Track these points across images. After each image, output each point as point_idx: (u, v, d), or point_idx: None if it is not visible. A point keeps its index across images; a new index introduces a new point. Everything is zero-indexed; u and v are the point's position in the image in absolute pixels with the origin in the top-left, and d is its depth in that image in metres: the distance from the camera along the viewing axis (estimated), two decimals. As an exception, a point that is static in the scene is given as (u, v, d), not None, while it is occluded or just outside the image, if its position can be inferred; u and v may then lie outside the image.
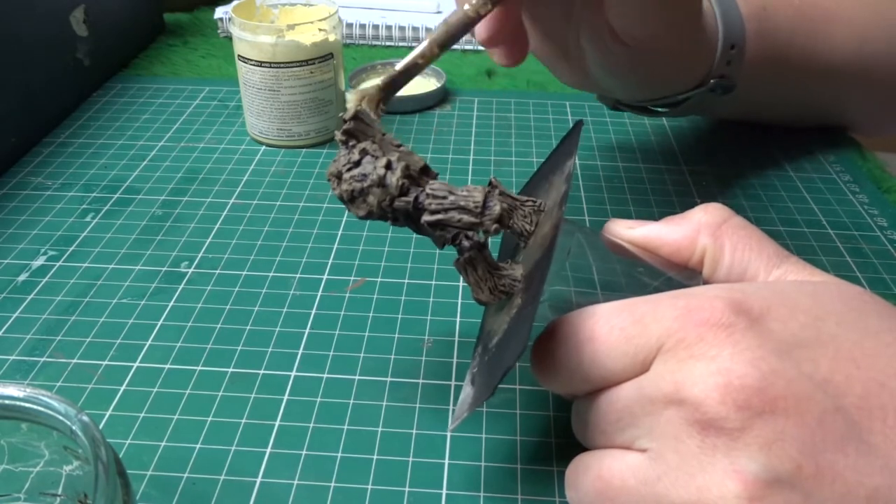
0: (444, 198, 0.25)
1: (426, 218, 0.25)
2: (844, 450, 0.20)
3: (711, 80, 0.40)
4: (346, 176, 0.25)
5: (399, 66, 0.28)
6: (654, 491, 0.22)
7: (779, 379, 0.21)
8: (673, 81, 0.40)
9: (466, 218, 0.25)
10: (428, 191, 0.25)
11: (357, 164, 0.25)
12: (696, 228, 0.28)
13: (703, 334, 0.22)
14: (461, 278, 0.27)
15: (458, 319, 0.36)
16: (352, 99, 0.26)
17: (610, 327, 0.23)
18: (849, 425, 0.20)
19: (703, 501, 0.21)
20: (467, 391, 0.26)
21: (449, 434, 0.30)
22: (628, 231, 0.28)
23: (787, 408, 0.20)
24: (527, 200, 0.27)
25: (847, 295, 0.24)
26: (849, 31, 0.45)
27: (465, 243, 0.26)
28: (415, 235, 0.41)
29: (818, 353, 0.21)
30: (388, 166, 0.25)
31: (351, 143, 0.26)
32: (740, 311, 0.22)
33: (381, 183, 0.25)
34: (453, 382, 0.32)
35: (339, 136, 0.26)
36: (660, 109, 0.44)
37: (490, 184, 0.27)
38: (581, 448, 0.26)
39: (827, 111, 0.51)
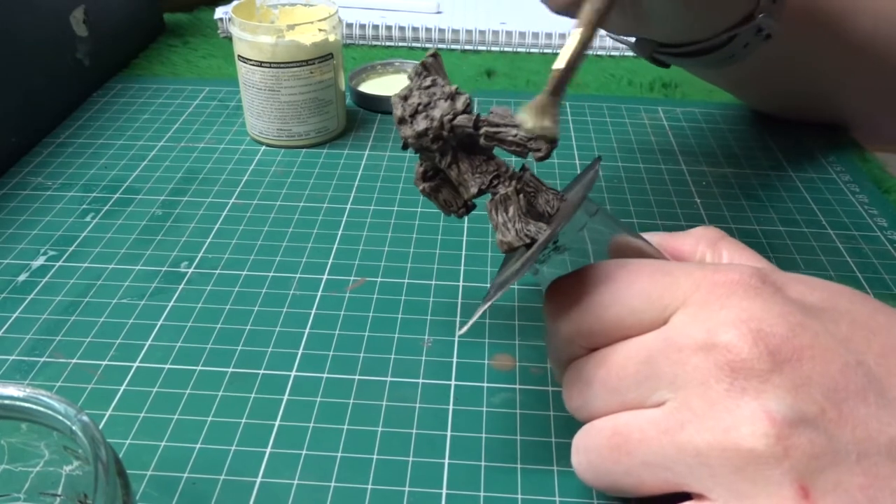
0: (505, 116, 0.27)
1: (485, 129, 0.26)
2: (866, 399, 0.21)
3: (759, 16, 0.39)
4: (416, 92, 0.27)
5: (561, 63, 0.27)
6: (676, 439, 0.22)
7: (805, 331, 0.22)
8: (719, 8, 0.39)
9: (523, 133, 0.26)
10: (491, 109, 0.27)
11: (427, 87, 0.27)
12: (697, 239, 0.29)
13: (734, 290, 0.23)
14: (488, 222, 0.28)
15: (458, 319, 0.36)
16: (529, 117, 0.26)
17: (640, 272, 0.24)
18: (869, 379, 0.22)
19: (729, 441, 0.21)
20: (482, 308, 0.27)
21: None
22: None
23: (813, 356, 0.22)
24: (551, 188, 0.28)
25: (851, 288, 0.25)
26: (868, 9, 0.45)
27: (502, 185, 0.27)
28: (415, 235, 0.41)
29: (837, 317, 0.23)
30: (457, 91, 0.27)
31: (424, 74, 0.27)
32: (766, 280, 0.23)
33: (451, 97, 0.26)
34: (453, 382, 0.32)
35: (413, 69, 0.27)
36: (693, 58, 0.43)
37: (522, 168, 0.27)
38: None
39: (835, 101, 0.51)
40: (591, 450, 0.24)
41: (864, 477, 0.21)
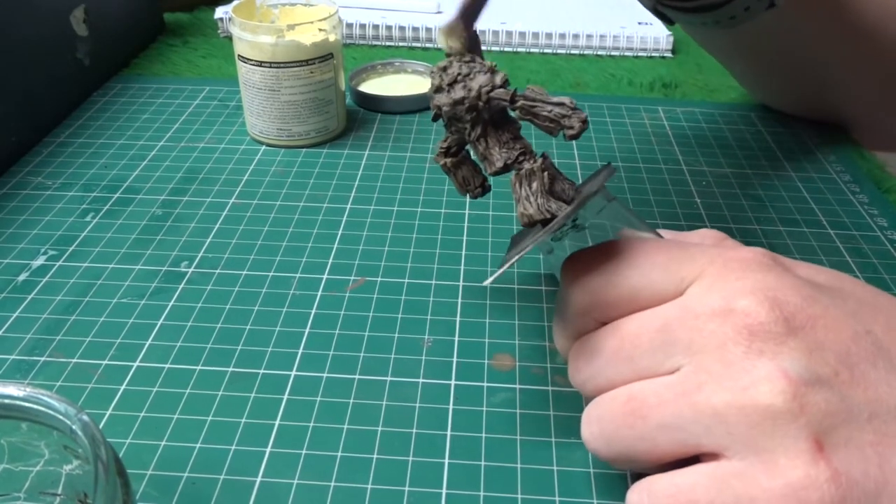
0: (542, 94, 0.27)
1: (521, 102, 0.27)
2: (875, 364, 0.22)
3: None
4: (457, 64, 0.27)
5: None
6: (693, 400, 0.23)
7: (817, 302, 0.23)
8: None
9: (558, 110, 0.27)
10: (528, 87, 0.27)
11: (468, 62, 0.28)
12: (701, 238, 0.30)
13: (748, 265, 0.24)
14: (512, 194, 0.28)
15: (458, 319, 0.36)
16: (440, 38, 0.28)
17: (657, 247, 0.25)
18: (878, 347, 0.23)
19: (747, 398, 0.22)
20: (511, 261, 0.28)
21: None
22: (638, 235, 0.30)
23: (825, 325, 0.23)
24: (567, 178, 0.29)
25: (853, 277, 0.26)
26: (874, 4, 0.45)
27: (528, 161, 0.27)
28: (415, 235, 0.41)
29: (844, 295, 0.24)
30: (496, 68, 0.28)
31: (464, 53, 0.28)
32: (775, 259, 0.25)
33: (490, 71, 0.27)
34: (453, 382, 0.32)
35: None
36: (695, 14, 0.43)
37: (542, 155, 0.28)
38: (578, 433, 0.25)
39: (836, 95, 0.51)
40: (604, 418, 0.25)
41: (874, 434, 0.22)
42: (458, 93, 0.27)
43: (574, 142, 0.51)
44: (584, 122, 0.27)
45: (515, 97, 0.27)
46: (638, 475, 0.25)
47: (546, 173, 0.27)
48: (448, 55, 0.28)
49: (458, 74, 0.27)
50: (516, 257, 0.27)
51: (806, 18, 0.44)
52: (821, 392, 0.22)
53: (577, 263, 0.27)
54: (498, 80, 0.27)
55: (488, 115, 0.27)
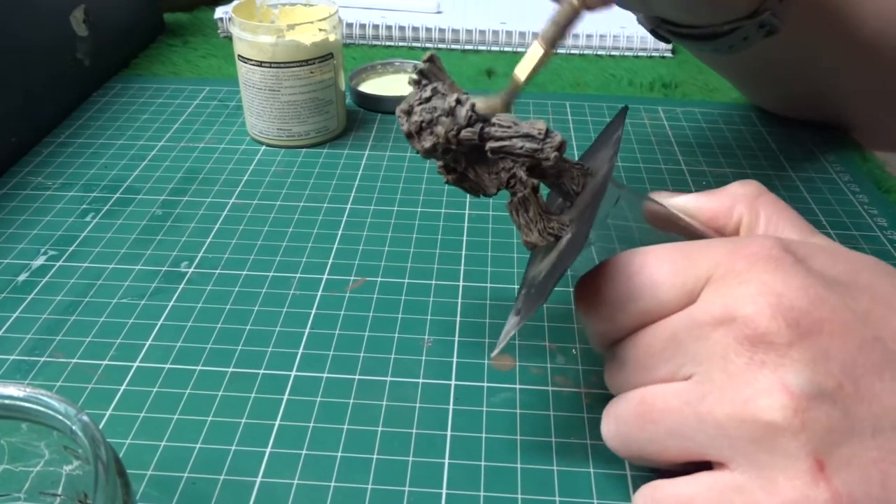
0: (509, 127, 0.27)
1: (491, 144, 0.26)
2: (882, 375, 0.22)
3: (765, 13, 0.39)
4: (417, 108, 0.27)
5: (520, 76, 0.29)
6: (697, 410, 0.23)
7: (825, 304, 0.22)
8: (724, 4, 0.39)
9: (529, 145, 0.26)
10: (494, 120, 0.27)
11: (428, 99, 0.27)
12: (733, 199, 0.29)
13: (754, 263, 0.23)
14: (511, 221, 0.28)
15: (458, 319, 0.36)
16: (481, 108, 0.27)
17: (660, 261, 0.25)
18: (886, 356, 0.22)
19: (748, 412, 0.22)
20: (512, 321, 0.27)
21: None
22: (668, 199, 0.29)
23: (832, 331, 0.22)
24: (575, 164, 0.28)
25: (875, 260, 0.25)
26: (873, 8, 0.45)
27: (519, 186, 0.27)
28: (415, 235, 0.41)
29: (857, 292, 0.23)
30: (458, 101, 0.27)
31: (423, 83, 0.27)
32: (787, 249, 0.23)
33: (451, 113, 0.26)
34: (453, 382, 0.32)
35: (412, 76, 0.28)
36: (693, 41, 0.43)
37: (540, 152, 0.27)
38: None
39: (837, 100, 0.51)
40: (619, 418, 0.25)
41: (877, 451, 0.21)
42: (428, 140, 0.26)
43: (574, 142, 0.51)
44: (559, 147, 0.26)
45: (483, 134, 0.26)
46: (639, 478, 0.25)
47: (536, 197, 0.27)
48: (410, 84, 0.28)
49: (422, 122, 0.26)
50: (520, 324, 0.26)
51: (803, 31, 0.44)
52: (823, 407, 0.21)
53: (586, 292, 0.26)
54: (461, 119, 0.26)
55: (466, 149, 0.27)
